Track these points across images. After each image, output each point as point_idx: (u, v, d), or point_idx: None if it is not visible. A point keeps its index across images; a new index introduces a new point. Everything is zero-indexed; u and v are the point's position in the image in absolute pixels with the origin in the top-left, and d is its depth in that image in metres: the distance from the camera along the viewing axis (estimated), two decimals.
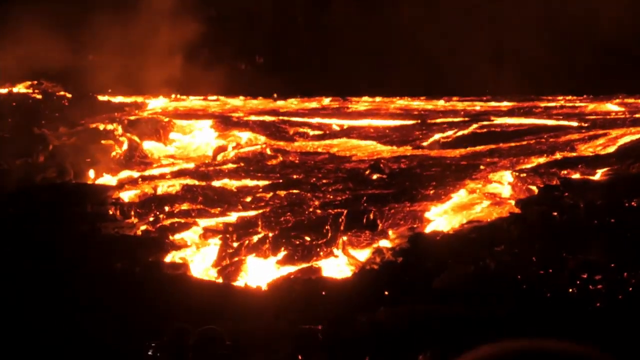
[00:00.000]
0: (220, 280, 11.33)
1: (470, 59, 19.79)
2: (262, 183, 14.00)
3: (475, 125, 16.39)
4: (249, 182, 14.08)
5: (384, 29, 21.72)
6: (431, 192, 13.47)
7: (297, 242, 12.05)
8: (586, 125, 16.14)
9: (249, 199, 13.42)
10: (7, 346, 8.29)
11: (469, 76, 19.31)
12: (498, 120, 16.72)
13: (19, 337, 8.45)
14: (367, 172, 14.27)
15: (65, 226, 11.87)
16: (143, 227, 12.62)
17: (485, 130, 16.26)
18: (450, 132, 16.29)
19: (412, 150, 15.75)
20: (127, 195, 13.66)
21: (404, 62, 20.80)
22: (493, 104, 18.81)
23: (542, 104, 18.39)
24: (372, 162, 14.65)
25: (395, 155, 15.43)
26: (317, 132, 16.83)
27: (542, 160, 14.30)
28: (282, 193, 13.55)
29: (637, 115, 16.69)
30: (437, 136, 16.22)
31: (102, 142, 15.26)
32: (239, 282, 11.20)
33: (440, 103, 19.03)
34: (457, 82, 19.43)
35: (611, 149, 14.52)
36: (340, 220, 12.47)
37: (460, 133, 16.15)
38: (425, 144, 15.99)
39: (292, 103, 19.35)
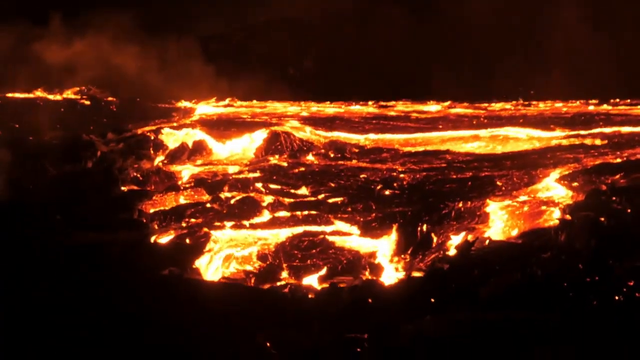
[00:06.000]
0: (264, 287, 11.40)
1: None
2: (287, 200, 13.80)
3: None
4: (269, 197, 13.92)
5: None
6: (460, 205, 13.05)
7: None
8: (600, 144, 15.70)
9: (267, 217, 13.37)
10: (55, 346, 8.49)
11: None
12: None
13: (70, 337, 8.64)
14: (379, 188, 13.98)
15: (113, 232, 12.07)
16: (181, 235, 12.69)
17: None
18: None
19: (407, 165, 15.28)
20: (168, 203, 13.83)
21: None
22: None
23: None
24: (384, 178, 14.39)
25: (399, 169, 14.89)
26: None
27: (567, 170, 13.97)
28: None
29: None
30: None
31: (149, 149, 15.43)
32: (285, 290, 11.20)
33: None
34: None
35: None
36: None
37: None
38: None
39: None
